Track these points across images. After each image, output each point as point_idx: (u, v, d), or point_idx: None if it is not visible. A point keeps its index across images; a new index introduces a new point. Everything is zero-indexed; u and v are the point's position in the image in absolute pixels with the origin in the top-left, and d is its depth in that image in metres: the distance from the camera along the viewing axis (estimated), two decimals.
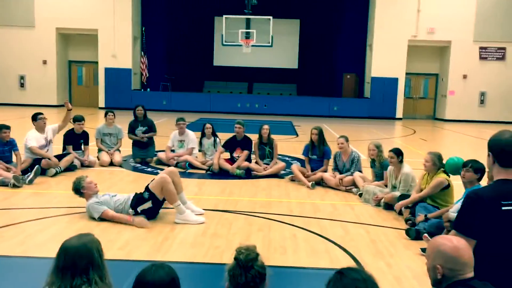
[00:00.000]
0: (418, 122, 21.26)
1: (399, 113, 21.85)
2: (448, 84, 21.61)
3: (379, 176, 7.05)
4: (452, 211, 4.85)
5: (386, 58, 21.39)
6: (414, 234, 5.13)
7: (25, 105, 21.24)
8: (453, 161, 5.36)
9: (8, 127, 7.48)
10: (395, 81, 21.60)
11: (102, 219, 5.30)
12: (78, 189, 5.42)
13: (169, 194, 5.42)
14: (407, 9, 21.09)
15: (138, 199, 5.43)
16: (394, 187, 6.45)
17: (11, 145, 7.50)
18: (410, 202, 5.73)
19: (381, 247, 4.88)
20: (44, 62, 21.71)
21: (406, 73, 21.93)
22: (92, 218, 5.35)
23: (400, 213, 6.00)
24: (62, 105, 22.34)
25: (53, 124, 8.20)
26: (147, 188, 5.48)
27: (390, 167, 6.59)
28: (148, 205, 5.39)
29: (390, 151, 6.48)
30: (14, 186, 6.67)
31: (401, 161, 6.41)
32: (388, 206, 6.28)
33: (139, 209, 5.37)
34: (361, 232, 5.35)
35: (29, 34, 21.49)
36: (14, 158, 7.59)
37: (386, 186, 6.74)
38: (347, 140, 7.59)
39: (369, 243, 5.01)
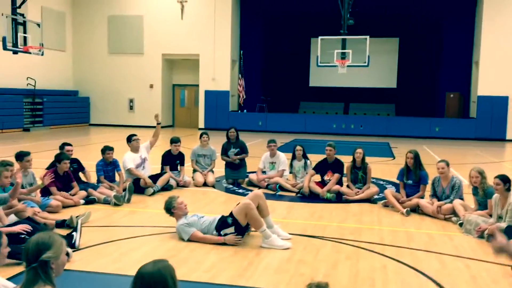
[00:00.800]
0: None
1: (509, 134, 20.12)
2: None
3: (482, 204, 6.47)
4: None
5: (494, 76, 19.92)
6: None
7: (134, 126, 22.83)
8: None
9: (111, 148, 8.04)
10: (505, 99, 19.98)
11: (191, 240, 5.44)
12: (169, 208, 5.62)
13: (253, 220, 5.39)
14: None
15: (222, 223, 5.50)
16: (499, 218, 5.88)
17: (114, 166, 8.05)
18: None
19: (483, 285, 4.43)
20: (151, 86, 23.26)
21: None
22: (182, 239, 5.51)
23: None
24: (168, 126, 23.72)
25: (145, 142, 8.68)
26: (231, 213, 5.52)
27: (495, 195, 6.02)
28: (231, 230, 5.42)
29: (496, 177, 5.92)
30: (115, 204, 7.12)
31: (508, 189, 5.83)
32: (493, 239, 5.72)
33: (222, 232, 5.43)
34: (460, 267, 4.92)
35: (138, 61, 23.21)
36: (117, 178, 8.13)
37: (490, 216, 6.16)
38: (447, 164, 7.09)
39: (469, 279, 4.57)
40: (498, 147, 17.97)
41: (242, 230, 5.48)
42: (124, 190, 7.64)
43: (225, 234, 5.41)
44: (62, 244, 2.51)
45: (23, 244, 2.67)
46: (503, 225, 5.65)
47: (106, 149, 7.99)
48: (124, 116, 23.67)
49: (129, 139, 8.39)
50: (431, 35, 23.21)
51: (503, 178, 5.88)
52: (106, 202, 7.23)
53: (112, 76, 23.51)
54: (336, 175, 8.13)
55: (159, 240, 5.58)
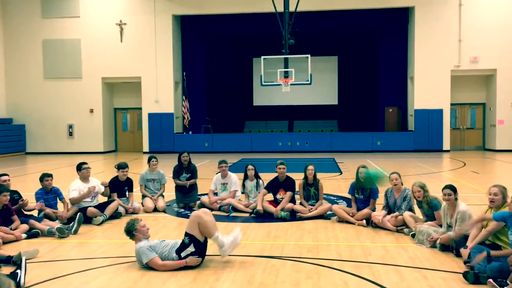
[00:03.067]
0: (467, 153, 20.46)
1: (446, 145, 21.13)
2: (496, 113, 20.82)
3: (429, 216, 6.65)
4: None
5: (429, 90, 20.93)
6: (472, 278, 4.74)
7: (74, 153, 21.96)
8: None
9: (50, 175, 7.64)
10: (440, 112, 21.01)
11: (148, 266, 5.21)
12: (131, 231, 5.42)
13: (206, 227, 5.37)
14: (448, 40, 20.72)
15: (181, 245, 5.38)
16: (449, 227, 6.06)
17: (56, 194, 7.65)
18: (481, 239, 5.31)
19: None
20: (91, 110, 22.51)
21: (451, 104, 21.32)
22: (140, 266, 5.27)
23: (457, 254, 5.61)
24: (110, 151, 22.99)
25: (101, 186, 8.14)
26: (185, 233, 5.40)
27: (444, 205, 6.21)
28: (191, 249, 5.31)
29: (446, 187, 6.07)
30: (60, 237, 6.71)
31: (456, 198, 6.03)
32: (445, 248, 5.89)
33: (182, 254, 5.31)
34: (418, 278, 5.00)
35: (76, 85, 22.45)
36: (60, 207, 7.71)
37: (440, 226, 6.34)
38: (399, 176, 7.26)
39: None
40: (436, 157, 18.79)
41: (201, 246, 5.37)
42: (70, 219, 7.26)
43: (186, 256, 5.28)
44: (10, 285, 2.29)
45: None
46: (453, 234, 5.83)
47: (45, 176, 7.58)
48: (63, 142, 22.70)
49: (79, 167, 7.94)
50: (367, 52, 24.16)
51: (453, 189, 6.03)
52: (50, 233, 6.80)
53: (49, 102, 22.55)
54: (289, 193, 8.13)
55: (112, 272, 5.29)
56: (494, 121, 20.99)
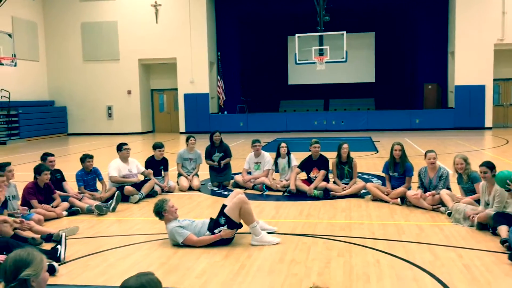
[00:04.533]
0: (511, 131, 19.70)
1: (488, 123, 20.42)
2: None
3: (468, 192, 6.50)
4: None
5: (470, 65, 20.20)
6: None
7: (113, 134, 22.52)
8: (503, 175, 5.33)
9: (91, 156, 7.85)
10: (482, 88, 20.27)
11: (182, 244, 5.31)
12: (160, 211, 5.46)
13: (247, 214, 5.40)
14: (491, 12, 19.84)
15: (215, 223, 5.45)
16: (487, 204, 5.89)
17: (95, 174, 7.87)
18: None
19: (477, 274, 4.41)
20: (129, 92, 22.94)
21: (494, 79, 20.52)
22: (173, 245, 5.38)
23: (494, 233, 5.46)
24: (148, 132, 23.45)
25: (141, 166, 8.41)
26: (222, 213, 5.45)
27: (482, 183, 6.03)
28: (224, 229, 5.37)
29: (482, 165, 5.93)
30: (99, 214, 6.94)
31: (494, 175, 5.85)
32: (482, 226, 5.74)
33: (215, 231, 5.39)
34: (453, 256, 4.90)
35: (114, 67, 22.88)
36: (99, 187, 7.94)
37: (477, 201, 6.18)
38: (436, 155, 7.10)
39: (462, 269, 4.55)
40: (477, 135, 18.21)
41: (236, 227, 5.46)
42: (109, 199, 7.47)
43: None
44: (42, 260, 2.37)
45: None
46: (492, 211, 5.66)
47: (86, 158, 7.80)
48: (102, 124, 23.30)
49: (120, 147, 8.14)
50: (406, 28, 23.45)
51: (489, 165, 5.90)
52: (89, 211, 7.04)
53: (89, 84, 23.13)
54: (322, 172, 8.09)
55: (147, 248, 5.44)
56: None
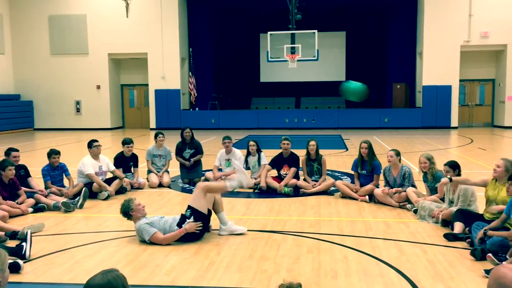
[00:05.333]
0: (475, 130, 20.30)
1: (454, 122, 20.97)
2: (506, 89, 20.56)
3: (433, 190, 6.67)
4: None
5: (437, 66, 20.68)
6: (480, 254, 4.71)
7: (81, 129, 22.10)
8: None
9: (58, 152, 7.69)
10: (448, 88, 20.79)
11: (151, 242, 5.28)
12: (127, 211, 5.41)
13: (216, 188, 5.60)
14: (458, 14, 20.36)
15: (181, 218, 5.44)
16: (451, 202, 6.06)
17: (62, 170, 7.72)
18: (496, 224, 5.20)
19: (441, 269, 4.55)
20: (98, 87, 22.54)
21: (460, 80, 21.09)
22: (141, 241, 5.34)
23: (453, 229, 5.61)
24: (118, 127, 23.10)
25: (111, 163, 8.22)
26: (188, 206, 5.48)
27: None
28: (191, 221, 5.36)
29: (445, 164, 6.12)
30: (66, 211, 6.81)
31: (458, 174, 6.03)
32: (446, 223, 5.90)
33: (183, 226, 5.37)
34: (418, 252, 5.03)
35: (83, 61, 22.43)
36: (66, 182, 7.80)
37: (442, 200, 6.35)
38: (397, 154, 7.24)
39: (426, 264, 4.68)
40: (444, 134, 18.68)
41: (204, 219, 5.44)
42: (76, 195, 7.34)
43: None
44: (6, 255, 2.35)
45: None
46: (455, 209, 5.83)
47: (52, 153, 7.63)
48: (70, 119, 22.82)
49: (90, 144, 7.96)
50: (376, 27, 23.82)
51: (451, 165, 6.07)
52: (56, 207, 6.90)
53: (56, 78, 22.60)
54: (293, 169, 8.16)
55: (115, 245, 5.38)
56: (504, 98, 20.75)
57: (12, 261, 4.40)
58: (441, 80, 20.77)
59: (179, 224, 5.39)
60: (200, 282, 4.30)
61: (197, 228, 5.33)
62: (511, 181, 4.92)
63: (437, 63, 20.69)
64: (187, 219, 5.39)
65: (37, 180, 7.68)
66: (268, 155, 9.05)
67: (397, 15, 22.78)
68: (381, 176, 7.52)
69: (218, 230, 5.69)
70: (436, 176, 6.56)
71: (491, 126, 21.90)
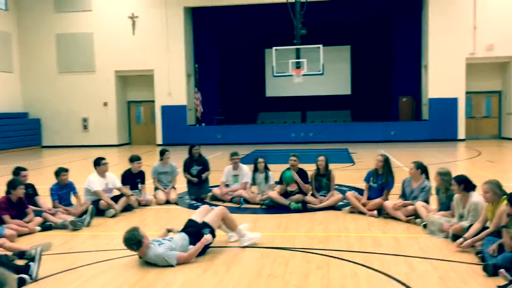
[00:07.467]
0: (483, 142, 20.18)
1: (461, 134, 20.87)
2: None
3: (444, 205, 6.58)
4: None
5: (443, 78, 20.65)
6: (492, 270, 4.64)
7: (89, 146, 22.20)
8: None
9: (66, 170, 7.71)
10: (454, 101, 20.73)
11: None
12: (140, 240, 5.08)
13: (233, 221, 5.85)
14: (462, 27, 20.39)
15: (196, 236, 5.40)
16: (461, 217, 5.99)
17: (70, 188, 7.72)
18: (478, 237, 5.28)
19: (452, 285, 4.48)
20: (105, 104, 22.69)
21: (466, 92, 21.02)
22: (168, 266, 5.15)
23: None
24: (124, 144, 23.18)
25: (118, 180, 8.23)
26: (207, 225, 5.55)
27: (456, 195, 6.14)
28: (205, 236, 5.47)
29: (452, 179, 6.07)
30: (73, 230, 6.80)
31: (465, 189, 5.94)
32: (457, 238, 5.81)
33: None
34: (428, 268, 4.96)
35: (90, 79, 22.62)
36: (73, 201, 7.80)
37: (452, 216, 6.28)
38: (418, 167, 7.17)
39: (438, 281, 4.61)
40: (451, 147, 18.58)
41: (213, 236, 5.66)
42: (83, 213, 7.34)
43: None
44: (14, 280, 2.38)
45: None
46: (466, 224, 5.76)
47: (61, 171, 7.65)
48: (78, 136, 22.95)
49: (98, 162, 7.92)
50: (381, 41, 23.88)
51: (458, 180, 5.97)
52: (63, 226, 6.89)
53: (64, 96, 22.79)
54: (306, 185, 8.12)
55: (123, 264, 5.35)
56: (510, 109, 20.65)
57: (18, 276, 4.42)
58: (447, 92, 20.72)
59: (194, 242, 5.36)
60: None
61: (211, 240, 5.51)
62: (507, 201, 4.79)
63: (443, 76, 20.66)
64: (204, 235, 5.47)
65: (44, 198, 7.69)
66: (274, 170, 9.02)
67: (401, 29, 22.85)
68: (393, 191, 7.45)
69: (228, 247, 5.65)
70: (450, 195, 6.38)
71: (498, 138, 21.76)
